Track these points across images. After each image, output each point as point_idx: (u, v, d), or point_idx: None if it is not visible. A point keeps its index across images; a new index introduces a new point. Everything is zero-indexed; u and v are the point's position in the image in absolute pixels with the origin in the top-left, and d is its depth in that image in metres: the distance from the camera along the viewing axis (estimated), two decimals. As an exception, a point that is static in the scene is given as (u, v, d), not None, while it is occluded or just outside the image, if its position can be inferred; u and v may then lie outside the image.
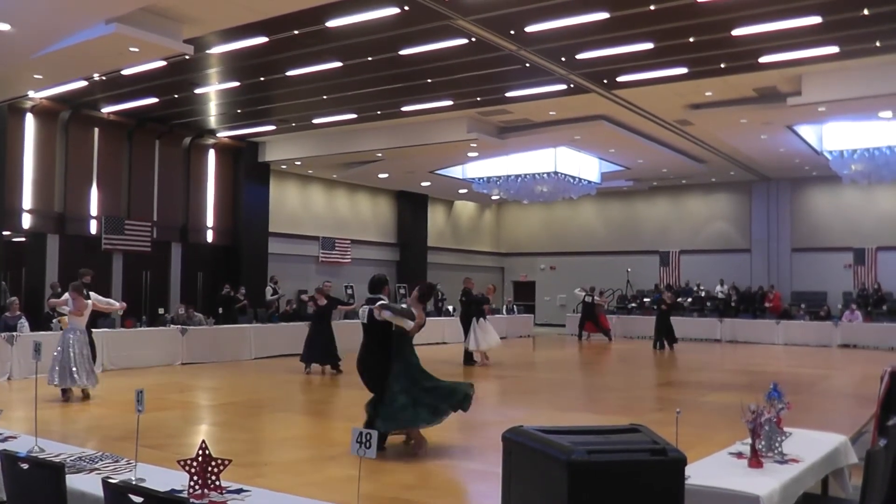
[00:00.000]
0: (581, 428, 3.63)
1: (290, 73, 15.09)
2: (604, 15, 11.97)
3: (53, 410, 9.79)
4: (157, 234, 19.93)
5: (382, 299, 7.64)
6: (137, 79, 15.26)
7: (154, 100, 17.36)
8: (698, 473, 3.84)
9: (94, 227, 18.75)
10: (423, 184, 26.40)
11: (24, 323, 13.60)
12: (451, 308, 23.86)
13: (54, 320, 13.74)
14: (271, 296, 21.47)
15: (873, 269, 25.09)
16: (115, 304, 11.72)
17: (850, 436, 5.78)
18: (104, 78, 15.02)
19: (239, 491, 3.57)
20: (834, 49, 13.52)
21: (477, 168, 24.16)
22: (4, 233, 16.93)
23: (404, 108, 17.95)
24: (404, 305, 7.81)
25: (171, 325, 16.30)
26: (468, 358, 15.99)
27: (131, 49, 11.80)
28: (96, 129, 18.94)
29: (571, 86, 15.97)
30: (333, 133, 20.49)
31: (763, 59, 14.04)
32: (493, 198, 27.79)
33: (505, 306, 26.59)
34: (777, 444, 4.35)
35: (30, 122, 17.69)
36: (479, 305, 16.40)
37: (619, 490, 3.15)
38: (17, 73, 13.48)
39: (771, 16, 11.95)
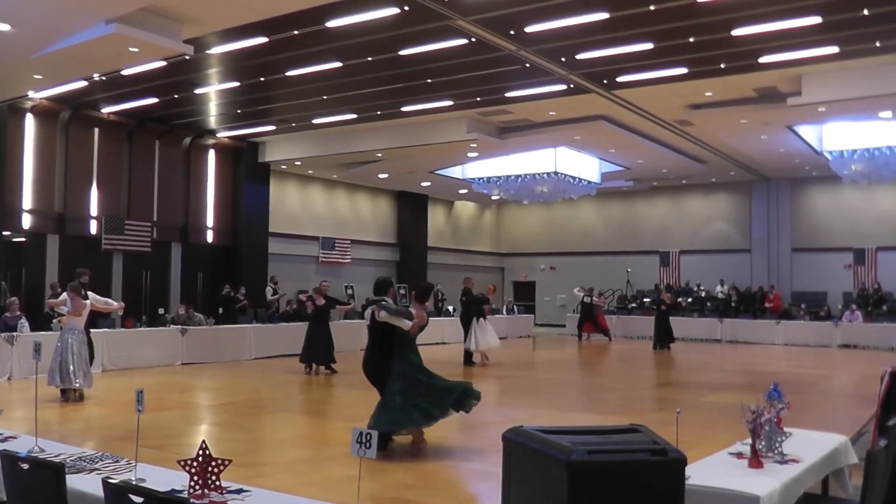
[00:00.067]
0: (581, 428, 3.63)
1: (290, 73, 15.10)
2: (604, 15, 11.97)
3: (53, 411, 9.79)
4: (157, 235, 19.93)
5: (386, 301, 7.65)
6: (137, 79, 15.26)
7: (154, 100, 17.36)
8: (698, 473, 3.83)
9: (94, 228, 18.75)
10: (423, 184, 26.40)
11: (24, 323, 13.60)
12: (451, 308, 23.86)
13: (54, 320, 13.73)
14: (271, 296, 21.47)
15: (873, 269, 25.09)
16: (114, 304, 11.71)
17: (850, 436, 5.78)
18: (104, 78, 15.02)
19: (239, 491, 3.57)
20: (834, 49, 13.52)
21: (477, 168, 24.17)
22: (4, 233, 16.93)
23: (404, 109, 17.95)
24: (407, 306, 7.83)
25: (172, 326, 16.30)
26: (468, 358, 15.99)
27: (131, 49, 11.80)
28: (96, 130, 18.94)
29: (571, 86, 15.97)
30: (333, 133, 20.49)
31: (763, 60, 14.04)
32: (493, 198, 27.80)
33: (505, 306, 26.59)
34: (777, 445, 4.35)
35: (30, 122, 17.69)
36: (480, 305, 16.40)
37: (619, 490, 3.15)
38: (17, 73, 13.48)
39: (771, 16, 11.95)
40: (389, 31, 12.63)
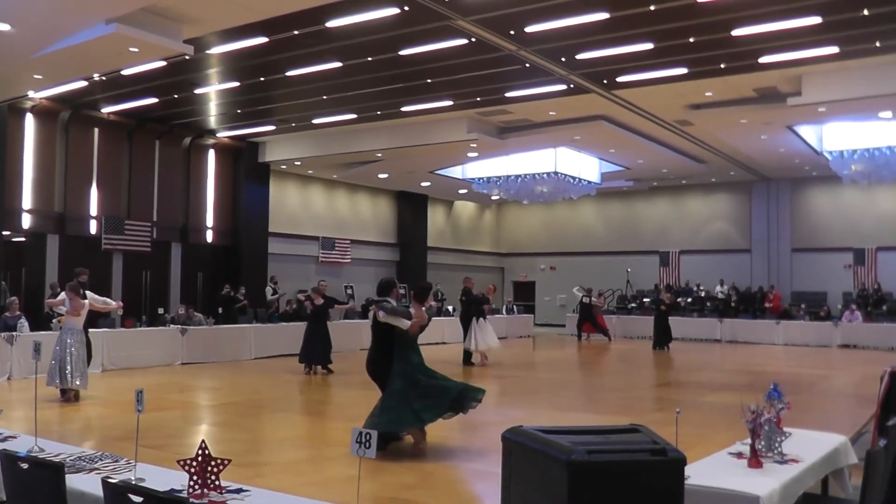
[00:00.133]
0: (581, 428, 3.63)
1: (290, 73, 15.10)
2: (604, 15, 11.97)
3: (53, 410, 9.79)
4: (157, 235, 19.93)
5: (388, 301, 7.67)
6: (137, 79, 15.26)
7: (154, 100, 17.36)
8: (698, 473, 3.83)
9: (93, 227, 18.76)
10: (423, 184, 26.41)
11: (23, 323, 13.60)
12: (450, 308, 23.87)
13: (54, 320, 13.73)
14: (271, 296, 21.47)
15: (873, 269, 25.09)
16: (112, 304, 11.70)
17: (849, 436, 5.78)
18: (104, 78, 15.02)
19: (239, 491, 3.57)
20: (834, 49, 13.52)
21: (477, 168, 24.17)
22: (4, 233, 16.93)
23: (404, 109, 17.95)
24: (407, 306, 7.85)
25: (171, 325, 16.30)
26: (467, 358, 15.98)
27: (131, 49, 11.80)
28: (96, 129, 18.94)
29: (571, 86, 15.97)
30: (333, 133, 20.49)
31: (763, 60, 14.04)
32: (493, 198, 27.80)
33: (505, 306, 26.59)
34: (777, 445, 4.35)
35: (30, 122, 17.69)
36: (480, 305, 16.40)
37: (618, 490, 3.15)
38: (17, 73, 13.48)
39: (771, 16, 11.95)
40: (389, 31, 12.63)
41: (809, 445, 4.60)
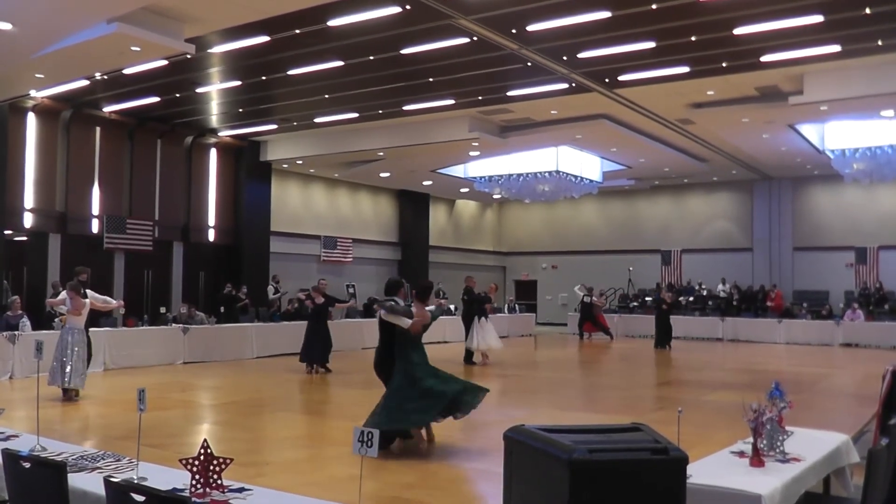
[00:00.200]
0: (582, 427, 3.63)
1: (291, 72, 15.10)
2: (605, 14, 11.96)
3: (55, 409, 9.80)
4: (158, 234, 19.95)
5: (394, 300, 7.70)
6: (139, 78, 15.27)
7: (155, 99, 17.37)
8: (700, 472, 3.83)
9: (95, 227, 18.77)
10: (425, 183, 26.41)
11: (25, 322, 13.61)
12: (452, 307, 23.85)
13: (56, 319, 13.74)
14: (273, 295, 21.48)
15: (875, 267, 25.07)
16: (113, 303, 11.70)
17: (851, 435, 5.78)
18: (106, 77, 15.04)
19: (241, 490, 3.57)
20: (836, 48, 13.51)
21: (478, 167, 24.16)
22: (6, 232, 16.94)
23: (406, 108, 17.95)
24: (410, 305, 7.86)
25: (173, 325, 16.30)
26: (468, 357, 15.99)
27: (133, 48, 11.80)
28: (98, 129, 18.96)
29: (573, 85, 15.97)
30: (335, 132, 20.49)
31: (765, 58, 14.03)
32: (495, 197, 27.79)
33: (507, 305, 26.59)
34: (779, 443, 4.35)
35: (31, 121, 17.71)
36: (481, 304, 16.38)
37: (620, 489, 3.15)
38: (18, 72, 13.49)
39: (772, 15, 11.95)
40: (391, 30, 12.63)
41: (811, 444, 4.60)
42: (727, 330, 23.41)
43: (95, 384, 11.99)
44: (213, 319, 17.68)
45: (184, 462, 3.50)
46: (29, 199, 17.67)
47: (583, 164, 23.47)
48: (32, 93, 15.94)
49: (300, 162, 22.77)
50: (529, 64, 14.58)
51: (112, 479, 3.29)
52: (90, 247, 18.35)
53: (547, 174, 22.56)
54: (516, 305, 27.05)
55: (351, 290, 24.58)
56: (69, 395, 10.47)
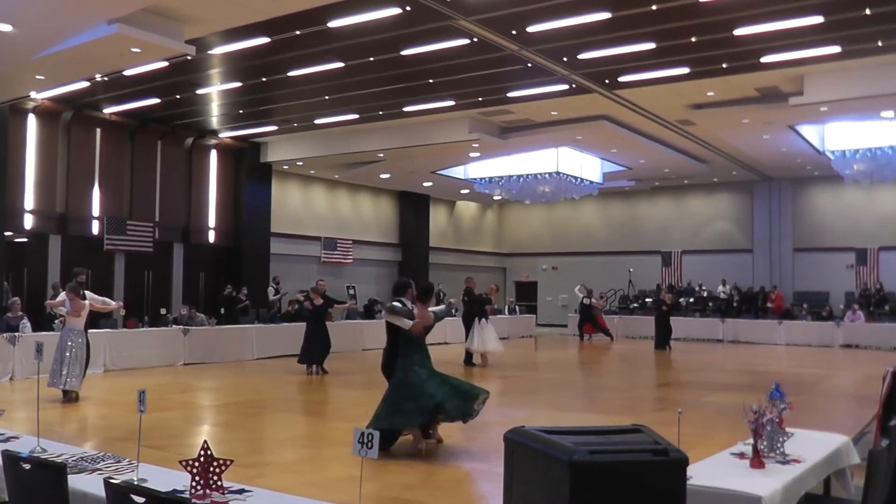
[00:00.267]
0: (583, 428, 3.63)
1: (291, 73, 15.11)
2: (605, 15, 11.97)
3: (55, 411, 9.80)
4: (159, 235, 19.95)
5: (400, 301, 7.77)
6: (139, 79, 15.27)
7: (156, 100, 17.37)
8: (700, 474, 3.83)
9: (95, 228, 18.77)
10: (425, 184, 26.41)
11: (25, 323, 13.61)
12: (454, 311, 23.84)
13: (56, 321, 13.75)
14: (273, 296, 21.48)
15: (875, 269, 25.07)
16: (112, 304, 11.69)
17: (852, 436, 5.78)
18: (106, 78, 15.03)
19: (241, 491, 3.57)
20: (836, 49, 13.51)
21: (479, 168, 24.17)
22: (6, 233, 16.94)
23: (406, 109, 17.95)
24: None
25: (173, 326, 16.30)
26: (468, 358, 15.98)
27: (133, 50, 11.81)
28: (98, 130, 18.96)
29: (573, 86, 15.97)
30: (335, 133, 20.50)
31: (765, 59, 14.03)
32: (495, 198, 27.80)
33: (507, 306, 26.59)
34: (779, 445, 4.34)
35: (32, 122, 17.71)
36: (482, 306, 16.38)
37: (620, 490, 3.15)
38: (19, 73, 13.49)
39: (773, 16, 11.95)
40: (391, 31, 12.63)
41: (811, 446, 4.59)
42: (727, 331, 23.42)
43: (96, 385, 12.00)
44: (214, 321, 17.68)
45: (184, 463, 3.50)
46: (29, 201, 17.67)
47: (583, 165, 23.48)
48: (33, 94, 15.94)
49: (300, 163, 22.77)
50: (529, 65, 14.59)
51: (112, 481, 3.29)
52: (90, 248, 18.35)
53: (547, 175, 22.57)
54: (516, 307, 27.06)
55: (351, 292, 24.57)
56: (69, 397, 10.47)
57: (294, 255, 23.88)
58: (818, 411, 10.05)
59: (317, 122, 19.27)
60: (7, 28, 10.92)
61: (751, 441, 4.23)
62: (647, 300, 26.58)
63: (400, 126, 19.51)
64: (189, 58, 13.05)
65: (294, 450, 7.96)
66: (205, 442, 3.57)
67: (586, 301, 23.30)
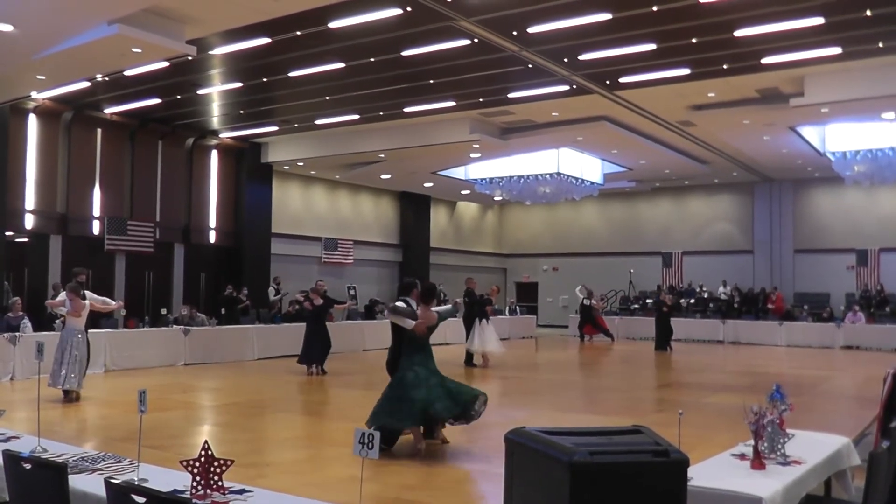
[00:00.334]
0: (583, 429, 3.63)
1: (292, 73, 15.11)
2: (606, 16, 11.97)
3: (56, 411, 9.81)
4: (159, 235, 19.95)
5: (405, 301, 7.79)
6: (140, 79, 15.28)
7: (157, 100, 17.37)
8: (701, 475, 3.83)
9: (96, 228, 18.78)
10: (426, 185, 26.42)
11: (26, 323, 13.62)
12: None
13: (57, 321, 13.75)
14: (274, 296, 21.48)
15: (876, 270, 25.06)
16: (112, 304, 11.69)
17: (852, 437, 5.78)
18: (107, 79, 15.03)
19: (241, 491, 3.57)
20: (836, 50, 13.51)
21: (479, 169, 24.17)
22: (7, 233, 16.95)
23: (407, 109, 17.95)
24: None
25: (174, 326, 16.31)
26: (469, 359, 15.98)
27: (134, 50, 11.81)
28: (99, 130, 18.97)
29: (574, 87, 15.97)
30: (336, 134, 20.50)
31: (766, 60, 14.03)
32: (496, 199, 27.80)
33: (507, 307, 26.59)
34: (780, 446, 4.34)
35: (32, 122, 17.72)
36: (482, 306, 16.38)
37: (621, 491, 3.15)
38: (19, 73, 13.50)
39: (773, 17, 11.95)
40: (392, 31, 12.63)
41: (812, 447, 4.59)
42: (728, 332, 23.41)
43: (96, 385, 12.00)
44: (214, 321, 17.69)
45: (185, 463, 3.51)
46: (30, 201, 17.67)
47: (583, 166, 23.48)
48: (34, 94, 15.95)
49: (301, 164, 22.77)
50: (530, 66, 14.59)
51: (113, 481, 3.29)
52: (91, 248, 18.36)
53: (548, 176, 22.57)
54: (517, 307, 27.06)
55: (352, 292, 24.58)
56: (70, 397, 10.48)
57: (295, 255, 23.88)
58: (819, 413, 10.05)
59: (317, 122, 19.27)
60: (8, 28, 10.92)
61: (751, 442, 4.23)
62: (647, 301, 26.58)
63: (401, 126, 19.51)
64: (190, 58, 13.05)
65: (294, 450, 7.96)
66: (205, 442, 3.57)
67: (586, 302, 23.30)
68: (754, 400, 4.50)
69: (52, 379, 10.34)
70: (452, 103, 17.39)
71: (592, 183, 24.23)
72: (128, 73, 14.42)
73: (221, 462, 3.51)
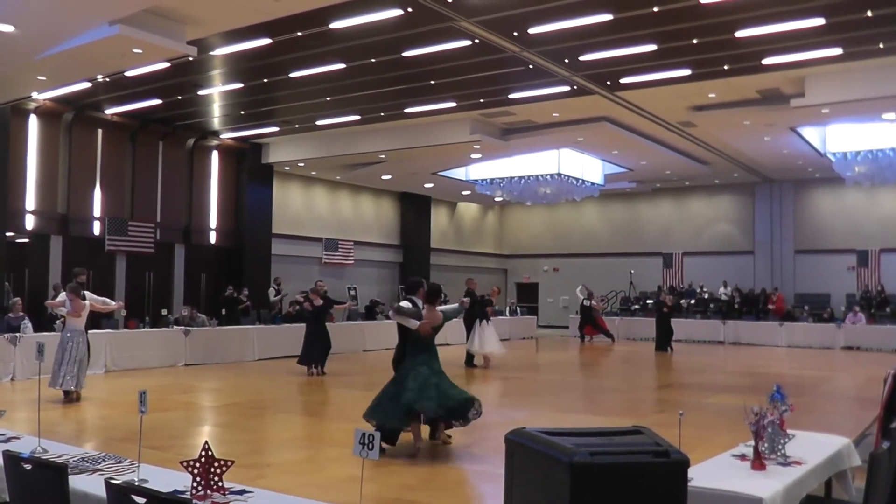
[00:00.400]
0: (583, 430, 3.63)
1: (293, 74, 15.11)
2: (607, 17, 11.97)
3: (56, 411, 9.81)
4: (160, 236, 19.95)
5: (412, 301, 7.81)
6: (141, 80, 15.28)
7: (157, 101, 17.38)
8: (701, 475, 3.83)
9: (97, 229, 18.78)
10: (427, 185, 26.42)
11: (27, 324, 13.63)
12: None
13: (57, 321, 13.75)
14: (274, 297, 21.49)
15: (876, 270, 25.06)
16: (112, 304, 11.69)
17: (853, 438, 5.78)
18: (108, 79, 15.04)
19: (241, 492, 3.58)
20: (837, 51, 13.50)
21: (480, 170, 24.17)
22: (8, 234, 16.96)
23: (407, 110, 17.95)
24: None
25: (175, 327, 16.30)
26: (469, 360, 15.98)
27: (135, 50, 11.82)
28: (100, 131, 18.97)
29: (574, 87, 15.97)
30: (337, 134, 20.50)
31: (766, 61, 14.03)
32: (497, 199, 27.80)
33: (508, 308, 26.58)
34: (780, 447, 4.34)
35: (33, 123, 17.73)
36: (483, 307, 16.37)
37: (621, 492, 3.15)
38: (20, 74, 13.51)
39: (774, 17, 11.95)
40: (393, 32, 12.63)
41: (813, 447, 4.59)
42: (728, 333, 23.40)
43: (97, 386, 12.01)
44: (215, 321, 17.69)
45: (185, 464, 3.51)
46: (31, 201, 17.68)
47: (584, 166, 23.48)
48: (34, 95, 15.96)
49: (302, 164, 22.78)
50: (531, 66, 14.58)
51: (113, 481, 3.30)
52: (92, 249, 18.36)
53: (548, 177, 22.57)
54: (518, 308, 27.05)
55: (352, 293, 24.58)
56: (70, 397, 10.48)
57: (295, 256, 23.88)
58: (819, 413, 10.04)
59: (318, 123, 19.27)
60: (9, 29, 10.93)
61: (752, 443, 4.23)
62: (648, 302, 26.58)
63: (401, 127, 19.51)
64: (191, 59, 13.05)
65: (295, 450, 7.96)
66: (206, 443, 3.57)
67: (586, 303, 23.30)
68: (755, 401, 4.50)
69: (53, 379, 10.35)
70: (453, 104, 17.39)
71: (593, 184, 24.23)
72: (129, 73, 14.42)
73: (222, 462, 3.51)
